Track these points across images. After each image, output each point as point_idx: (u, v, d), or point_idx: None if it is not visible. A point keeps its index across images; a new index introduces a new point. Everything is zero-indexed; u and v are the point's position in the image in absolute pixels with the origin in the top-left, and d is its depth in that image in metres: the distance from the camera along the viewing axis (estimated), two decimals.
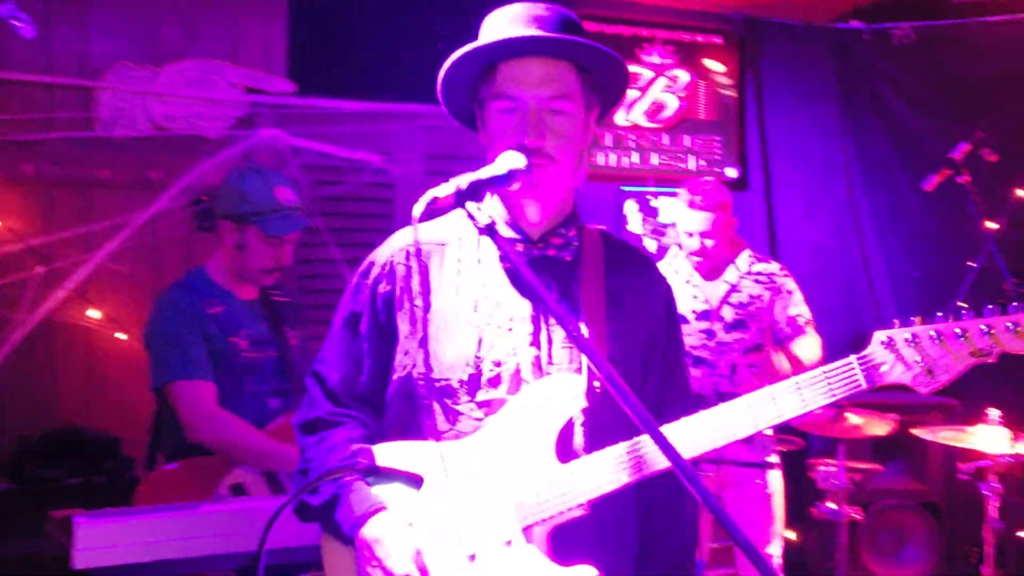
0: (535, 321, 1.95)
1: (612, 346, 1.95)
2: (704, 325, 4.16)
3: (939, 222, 5.60)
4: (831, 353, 5.63)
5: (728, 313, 4.15)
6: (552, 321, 1.94)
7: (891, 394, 5.87)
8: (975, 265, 5.42)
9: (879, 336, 1.78)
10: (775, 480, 4.17)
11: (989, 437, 3.89)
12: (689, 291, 4.20)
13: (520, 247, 1.98)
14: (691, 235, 4.16)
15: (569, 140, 1.93)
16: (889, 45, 5.88)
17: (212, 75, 4.75)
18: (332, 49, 4.94)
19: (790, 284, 4.26)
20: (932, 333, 1.75)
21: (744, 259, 4.27)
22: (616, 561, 1.95)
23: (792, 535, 4.95)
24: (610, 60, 1.96)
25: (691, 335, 4.12)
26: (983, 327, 1.72)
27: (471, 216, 1.67)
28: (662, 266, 4.46)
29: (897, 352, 1.77)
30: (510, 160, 1.79)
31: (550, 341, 1.94)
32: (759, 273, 4.24)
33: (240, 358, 3.20)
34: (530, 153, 1.86)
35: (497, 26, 1.95)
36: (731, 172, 5.86)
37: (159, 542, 2.52)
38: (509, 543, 1.84)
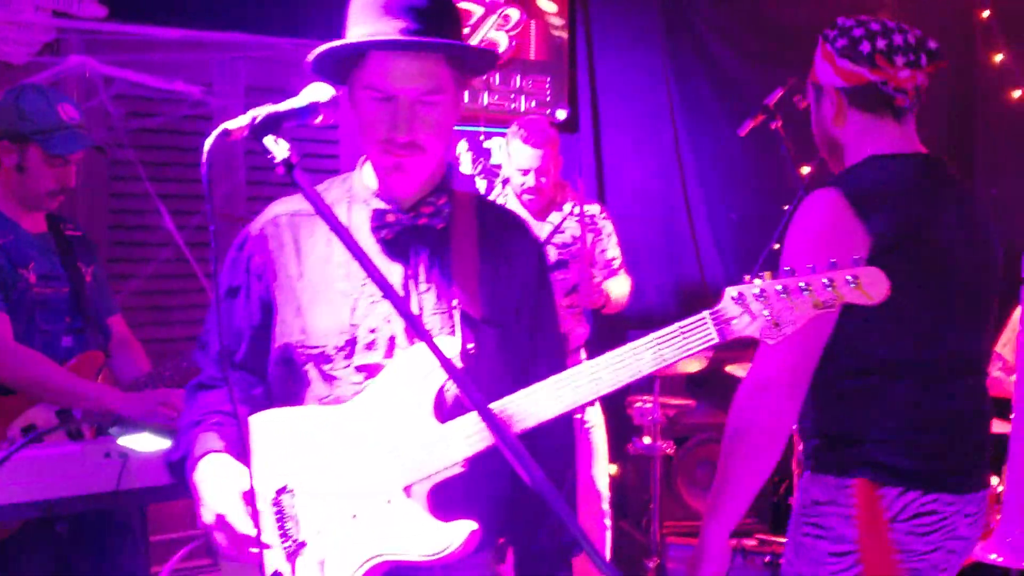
0: (405, 288, 2.00)
1: (485, 309, 2.01)
2: None
3: (757, 167, 5.80)
4: (655, 290, 5.79)
5: (552, 253, 4.21)
6: (423, 288, 2.00)
7: None
8: (788, 208, 5.67)
9: (730, 292, 1.83)
10: (594, 414, 4.29)
11: None
12: None
13: (391, 217, 2.00)
14: (526, 172, 4.17)
15: (441, 128, 1.96)
16: None
17: None
18: None
19: (609, 227, 4.38)
20: (779, 287, 1.79)
21: (568, 200, 4.34)
22: (489, 509, 2.02)
23: (613, 469, 5.11)
24: (483, 54, 2.11)
25: None
26: (825, 280, 1.77)
27: (267, 150, 1.61)
28: None
29: (747, 307, 1.81)
30: (312, 92, 1.73)
31: (421, 308, 2.00)
32: (581, 214, 4.31)
33: (30, 293, 3.04)
34: (400, 147, 1.92)
35: (367, 11, 1.92)
36: (561, 113, 5.88)
37: None
38: (390, 501, 1.89)
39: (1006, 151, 5.64)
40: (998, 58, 5.52)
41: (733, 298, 1.82)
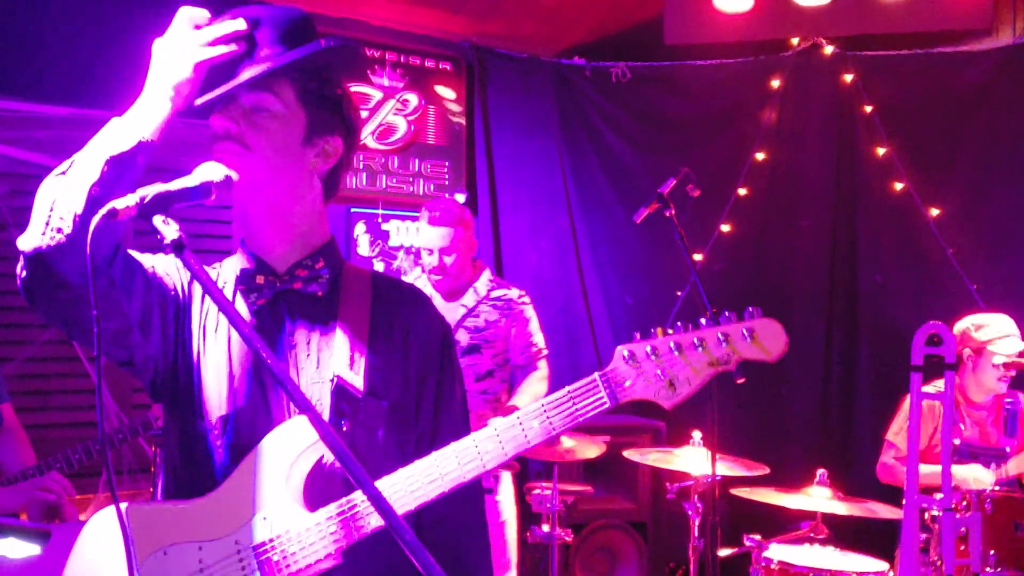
0: (283, 359, 1.85)
1: (373, 383, 1.86)
2: None
3: (650, 252, 5.90)
4: (552, 372, 5.78)
5: (463, 337, 4.11)
6: (301, 358, 1.85)
7: (602, 417, 6.12)
8: (681, 294, 5.77)
9: (621, 351, 1.74)
10: (508, 507, 4.16)
11: (692, 458, 4.09)
12: None
13: (260, 279, 1.87)
14: (431, 252, 4.12)
15: (271, 137, 1.81)
16: (607, 82, 6.15)
17: None
18: (31, 49, 4.55)
19: (528, 311, 4.28)
20: (671, 345, 1.71)
21: (483, 283, 4.25)
22: None
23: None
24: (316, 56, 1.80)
25: None
26: (720, 335, 1.70)
27: (157, 231, 1.52)
28: None
29: (638, 367, 1.73)
30: (204, 171, 1.65)
31: (296, 381, 1.84)
32: (497, 298, 4.24)
33: None
34: (221, 138, 1.77)
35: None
36: (459, 197, 5.91)
37: None
38: None
39: (888, 240, 5.84)
40: (880, 151, 5.76)
41: (623, 357, 1.74)
